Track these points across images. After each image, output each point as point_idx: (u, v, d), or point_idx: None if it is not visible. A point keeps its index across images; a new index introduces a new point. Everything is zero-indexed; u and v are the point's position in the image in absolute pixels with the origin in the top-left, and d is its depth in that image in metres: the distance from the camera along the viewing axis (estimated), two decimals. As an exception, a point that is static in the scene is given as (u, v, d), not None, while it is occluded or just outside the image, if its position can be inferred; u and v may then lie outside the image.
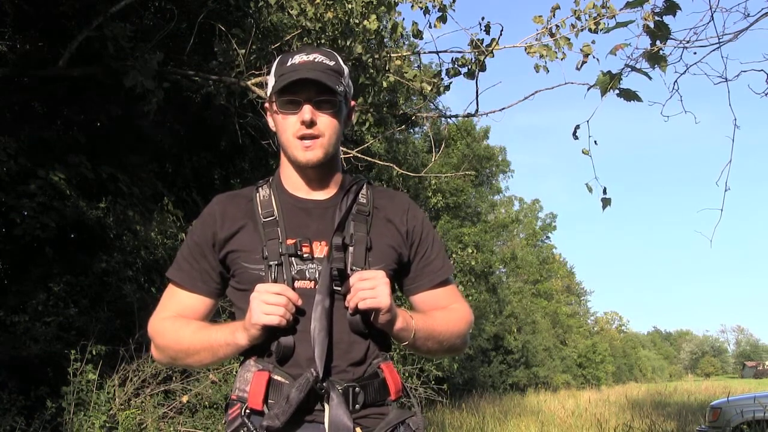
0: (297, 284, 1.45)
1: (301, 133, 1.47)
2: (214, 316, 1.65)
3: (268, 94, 1.54)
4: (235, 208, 1.54)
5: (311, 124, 1.46)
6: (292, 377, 1.40)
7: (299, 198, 1.55)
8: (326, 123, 1.48)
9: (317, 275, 1.45)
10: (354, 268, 1.46)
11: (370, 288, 1.39)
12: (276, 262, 1.45)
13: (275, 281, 1.44)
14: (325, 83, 1.44)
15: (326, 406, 1.38)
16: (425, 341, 1.52)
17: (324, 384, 1.37)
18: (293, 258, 1.46)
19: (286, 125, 1.49)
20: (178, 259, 1.59)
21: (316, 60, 1.47)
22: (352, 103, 1.60)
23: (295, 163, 1.52)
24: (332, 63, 1.50)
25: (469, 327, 1.63)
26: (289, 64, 1.48)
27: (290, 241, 1.47)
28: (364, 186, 1.59)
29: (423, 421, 1.50)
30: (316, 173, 1.53)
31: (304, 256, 1.46)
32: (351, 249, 1.47)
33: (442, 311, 1.58)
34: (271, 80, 1.53)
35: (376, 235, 1.52)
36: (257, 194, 1.56)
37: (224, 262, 1.53)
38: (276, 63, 1.54)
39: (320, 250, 1.48)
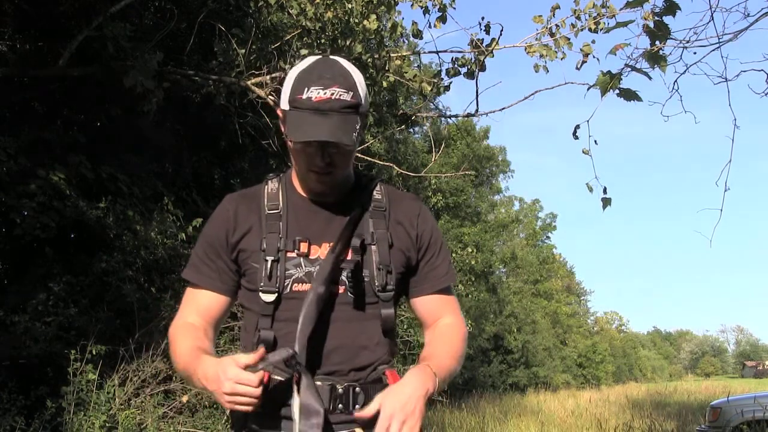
0: (303, 287, 1.44)
1: (315, 169, 1.45)
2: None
3: (281, 106, 1.49)
4: (246, 207, 1.54)
5: (326, 166, 1.44)
6: (283, 371, 1.40)
7: (309, 199, 1.54)
8: (340, 159, 1.45)
9: None
10: (380, 265, 1.46)
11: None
12: (273, 258, 1.45)
13: (269, 278, 1.44)
14: (341, 143, 1.39)
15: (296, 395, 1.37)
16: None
17: (298, 364, 1.35)
18: (302, 260, 1.46)
19: (299, 158, 1.47)
20: (193, 260, 1.58)
21: (333, 96, 1.38)
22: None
23: (306, 188, 1.53)
24: (350, 96, 1.39)
25: (465, 344, 1.61)
26: (305, 96, 1.39)
27: (297, 238, 1.47)
28: (379, 185, 1.58)
29: (424, 426, 1.51)
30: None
31: (310, 257, 1.46)
32: (374, 247, 1.48)
33: (445, 343, 1.55)
34: (284, 102, 1.46)
35: (392, 235, 1.53)
36: (266, 187, 1.56)
37: (236, 262, 1.53)
38: (292, 80, 1.44)
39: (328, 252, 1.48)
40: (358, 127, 1.43)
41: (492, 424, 11.97)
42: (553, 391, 25.51)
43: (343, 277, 1.45)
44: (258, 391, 1.29)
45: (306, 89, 1.39)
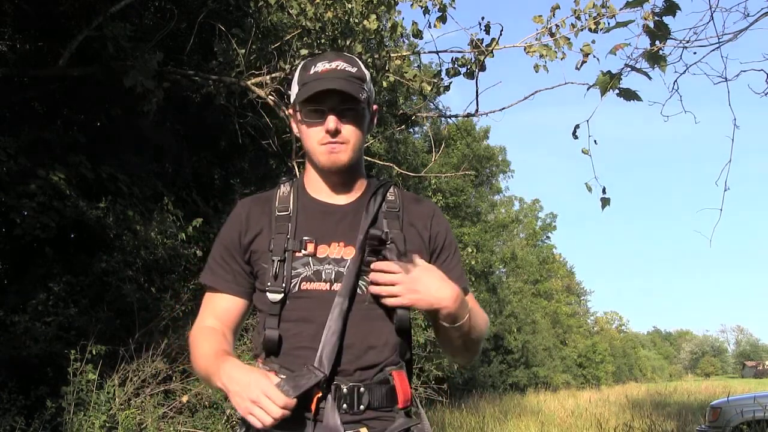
0: (311, 285, 1.46)
1: (326, 141, 1.49)
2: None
3: (292, 101, 1.56)
4: (258, 210, 1.57)
5: (336, 133, 1.48)
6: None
7: (319, 201, 1.56)
8: (350, 131, 1.50)
9: (333, 276, 1.46)
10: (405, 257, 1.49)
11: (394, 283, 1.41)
12: (279, 258, 1.47)
13: (275, 277, 1.46)
14: (349, 92, 1.46)
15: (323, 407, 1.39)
16: (467, 333, 1.51)
17: (324, 385, 1.38)
18: (311, 259, 1.47)
19: (311, 134, 1.51)
20: (210, 264, 1.61)
21: (338, 67, 1.49)
22: (374, 107, 1.61)
23: (319, 169, 1.55)
24: (354, 69, 1.51)
25: (487, 328, 1.62)
26: (311, 72, 1.49)
27: (304, 238, 1.49)
28: (392, 188, 1.61)
29: (430, 430, 1.51)
30: (339, 178, 1.55)
31: (318, 256, 1.47)
32: (389, 246, 1.49)
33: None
34: (294, 88, 1.55)
35: (405, 235, 1.55)
36: (278, 191, 1.59)
37: (249, 263, 1.55)
38: (299, 70, 1.55)
39: (338, 251, 1.48)
40: (363, 96, 1.49)
41: (492, 424, 11.98)
42: (553, 391, 25.53)
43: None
44: (279, 412, 1.29)
45: (312, 67, 1.50)
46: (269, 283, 1.47)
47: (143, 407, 5.75)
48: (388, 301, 1.41)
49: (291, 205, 1.54)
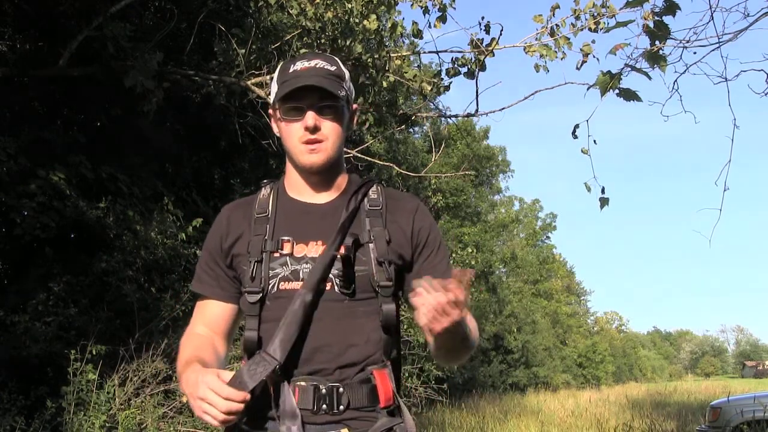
0: (290, 285, 1.45)
1: (305, 139, 1.49)
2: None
3: (272, 101, 1.56)
4: (240, 214, 1.57)
5: (315, 129, 1.48)
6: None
7: (298, 201, 1.56)
8: (329, 128, 1.50)
9: None
10: (381, 259, 1.47)
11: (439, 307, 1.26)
12: (255, 259, 1.47)
13: (252, 279, 1.46)
14: (327, 89, 1.46)
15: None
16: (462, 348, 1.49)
17: (280, 374, 1.39)
18: (288, 258, 1.47)
19: (291, 131, 1.51)
20: (197, 271, 1.62)
21: (317, 66, 1.50)
22: (354, 106, 1.61)
23: (299, 168, 1.54)
24: (333, 68, 1.52)
25: (477, 333, 1.60)
26: (291, 70, 1.50)
27: (282, 238, 1.49)
28: (375, 185, 1.60)
29: (414, 426, 1.49)
30: (319, 177, 1.55)
31: (296, 255, 1.47)
32: (371, 245, 1.48)
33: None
34: (274, 87, 1.55)
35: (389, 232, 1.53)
36: (259, 194, 1.59)
37: (231, 267, 1.55)
38: (278, 70, 1.56)
39: (316, 250, 1.48)
40: (342, 93, 1.50)
41: (492, 424, 11.99)
42: (553, 391, 25.56)
43: (331, 275, 1.45)
44: (224, 405, 1.28)
45: (292, 66, 1.51)
46: (247, 285, 1.47)
47: (143, 407, 5.75)
48: (421, 321, 1.27)
49: (270, 206, 1.54)
